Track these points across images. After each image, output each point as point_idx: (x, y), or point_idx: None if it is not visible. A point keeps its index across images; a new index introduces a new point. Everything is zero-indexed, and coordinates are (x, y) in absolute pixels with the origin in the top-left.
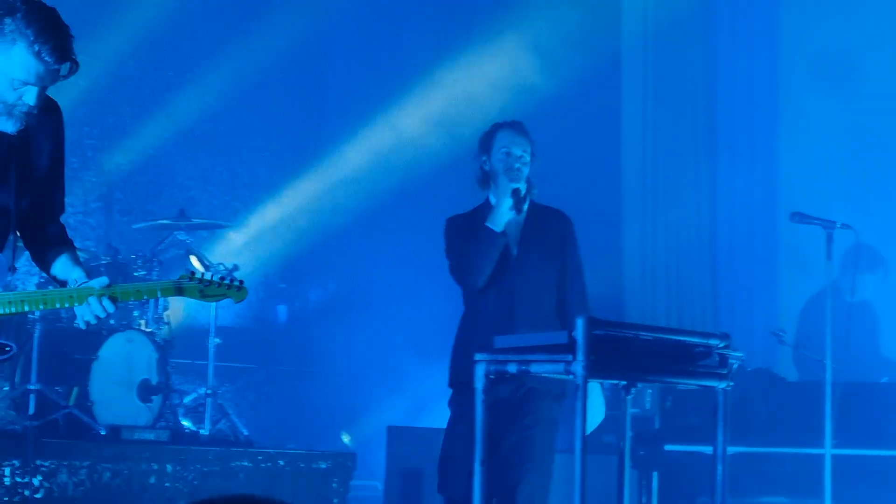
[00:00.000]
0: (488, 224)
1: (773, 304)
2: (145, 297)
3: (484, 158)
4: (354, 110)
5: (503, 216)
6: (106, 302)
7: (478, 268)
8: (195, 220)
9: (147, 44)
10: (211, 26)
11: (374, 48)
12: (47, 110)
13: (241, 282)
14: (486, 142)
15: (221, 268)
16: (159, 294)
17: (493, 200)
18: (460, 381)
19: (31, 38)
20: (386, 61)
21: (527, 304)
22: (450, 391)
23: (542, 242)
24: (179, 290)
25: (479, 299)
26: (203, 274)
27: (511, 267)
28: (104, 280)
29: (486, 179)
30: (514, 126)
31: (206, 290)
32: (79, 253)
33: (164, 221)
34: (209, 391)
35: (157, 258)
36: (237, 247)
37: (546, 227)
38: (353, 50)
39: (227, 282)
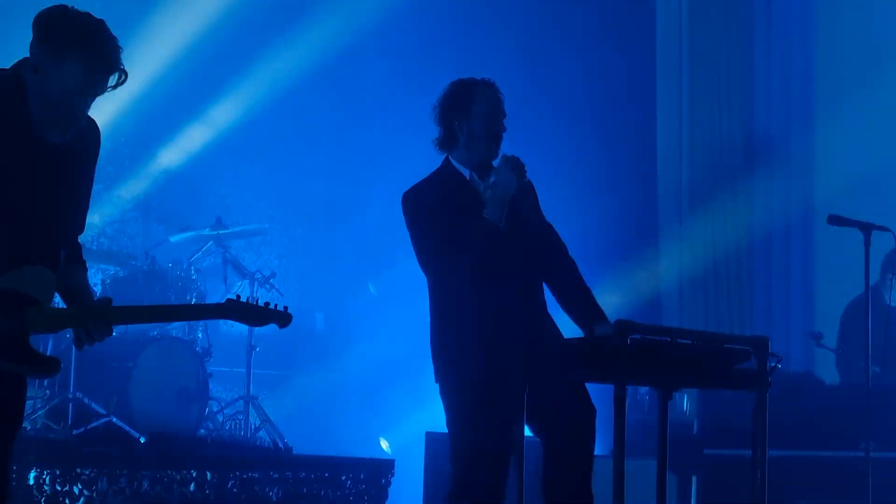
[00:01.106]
0: (489, 216)
1: (811, 307)
2: (190, 319)
3: (457, 117)
4: (391, 114)
5: (504, 206)
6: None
7: (477, 268)
8: (233, 228)
9: (183, 52)
10: (246, 34)
11: (408, 52)
12: (89, 128)
13: (285, 307)
14: (463, 99)
15: (259, 276)
16: (204, 316)
17: (456, 164)
18: (472, 381)
19: (81, 50)
20: (420, 64)
21: (530, 288)
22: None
23: (529, 218)
24: (224, 314)
25: (477, 290)
26: (248, 298)
27: (510, 253)
28: (109, 300)
29: (453, 140)
30: (494, 87)
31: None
32: (116, 262)
33: (204, 231)
34: (247, 398)
35: (195, 266)
36: (274, 254)
37: (524, 199)
38: (388, 55)
39: (271, 307)
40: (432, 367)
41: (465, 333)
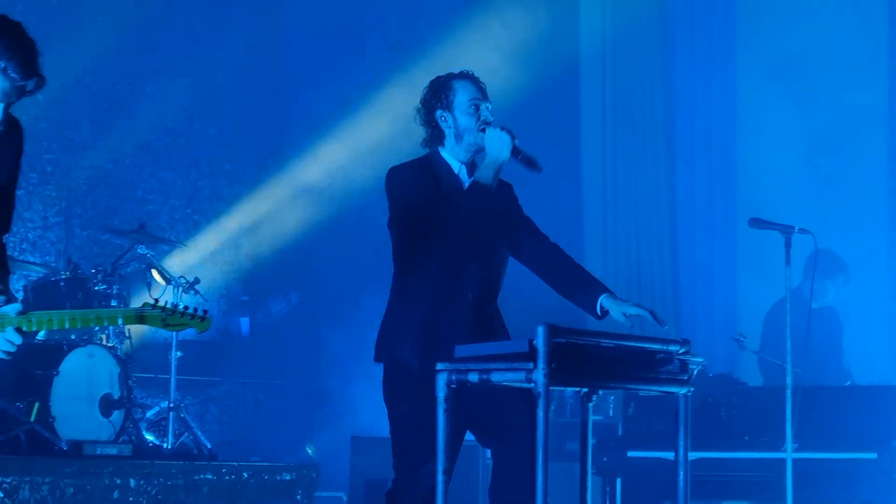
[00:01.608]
0: (481, 179)
1: (734, 309)
2: (106, 324)
3: (441, 113)
4: (314, 121)
5: (497, 170)
6: (12, 334)
7: (465, 230)
8: (156, 235)
9: (105, 57)
10: (169, 39)
11: (333, 58)
12: (10, 127)
13: (205, 311)
14: (444, 94)
15: (182, 281)
16: (120, 321)
17: (447, 157)
18: (423, 369)
19: None
20: (345, 71)
21: (495, 278)
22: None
23: (506, 211)
24: (141, 319)
25: (444, 271)
26: (166, 303)
27: (485, 235)
28: (18, 307)
29: (440, 138)
30: (474, 78)
31: (169, 318)
32: (38, 269)
33: (125, 231)
34: (171, 405)
35: (118, 272)
36: (199, 259)
37: (501, 194)
38: (313, 61)
39: (189, 311)
40: (372, 372)
41: (413, 315)
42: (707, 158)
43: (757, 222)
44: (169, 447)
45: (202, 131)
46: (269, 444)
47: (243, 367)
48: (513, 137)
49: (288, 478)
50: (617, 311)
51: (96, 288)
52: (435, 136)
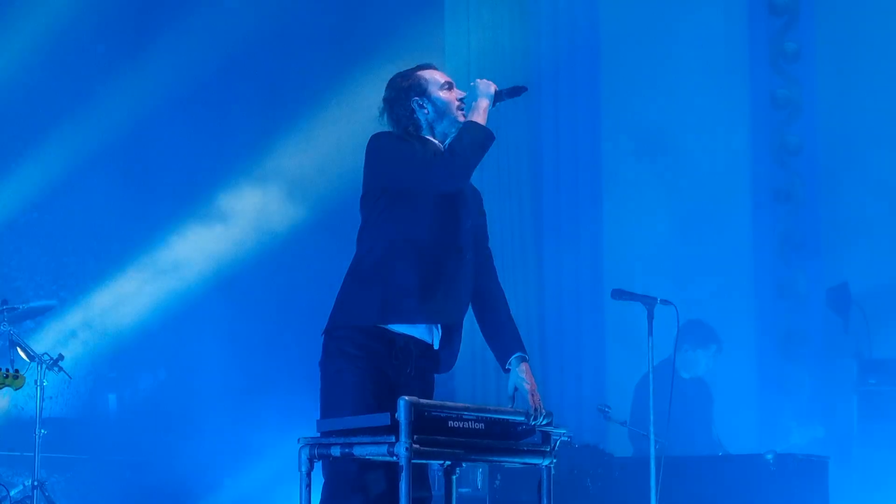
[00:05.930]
0: (471, 118)
1: (602, 380)
2: None
3: (418, 100)
4: (181, 195)
5: (485, 112)
6: None
7: (471, 163)
8: (19, 306)
9: None
10: (32, 112)
11: (199, 132)
12: None
13: (17, 371)
14: (415, 82)
15: (46, 358)
16: None
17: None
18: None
19: None
20: (212, 143)
21: (469, 276)
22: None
23: (478, 223)
24: None
25: (440, 226)
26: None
27: (463, 230)
28: None
29: (417, 129)
30: (435, 66)
31: None
32: None
33: None
34: (36, 483)
35: None
36: (64, 336)
37: (475, 198)
38: (180, 136)
39: (3, 371)
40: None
41: (411, 276)
42: (574, 231)
43: (620, 294)
44: None
45: (68, 207)
46: None
47: (111, 443)
48: (495, 85)
49: None
50: (513, 378)
51: None
52: (410, 129)
